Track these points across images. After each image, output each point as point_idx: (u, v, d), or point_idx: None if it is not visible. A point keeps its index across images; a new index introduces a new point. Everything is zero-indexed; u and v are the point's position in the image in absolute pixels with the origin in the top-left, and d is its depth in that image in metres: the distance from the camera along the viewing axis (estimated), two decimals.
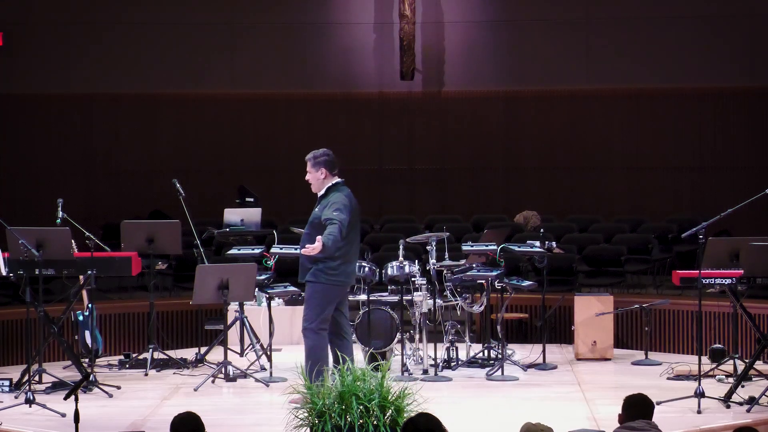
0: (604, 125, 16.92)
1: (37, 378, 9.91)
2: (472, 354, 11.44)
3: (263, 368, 10.91)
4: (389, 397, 7.34)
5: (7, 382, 10.02)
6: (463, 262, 11.25)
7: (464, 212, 16.40)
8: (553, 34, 16.82)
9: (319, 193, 9.42)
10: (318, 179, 9.41)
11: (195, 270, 10.38)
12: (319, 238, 8.98)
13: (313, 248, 8.96)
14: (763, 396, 9.15)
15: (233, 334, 11.44)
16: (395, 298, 10.86)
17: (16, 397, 9.60)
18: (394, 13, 16.82)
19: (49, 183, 16.37)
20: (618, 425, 6.09)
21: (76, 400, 6.68)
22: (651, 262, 14.28)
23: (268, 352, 10.80)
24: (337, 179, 9.41)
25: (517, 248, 11.49)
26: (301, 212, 16.33)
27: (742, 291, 9.85)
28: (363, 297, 10.98)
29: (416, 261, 11.03)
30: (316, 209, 9.34)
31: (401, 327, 10.72)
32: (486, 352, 11.29)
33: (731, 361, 10.33)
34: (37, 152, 16.76)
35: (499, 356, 10.85)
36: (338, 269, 9.21)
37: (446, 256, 11.16)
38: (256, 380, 10.33)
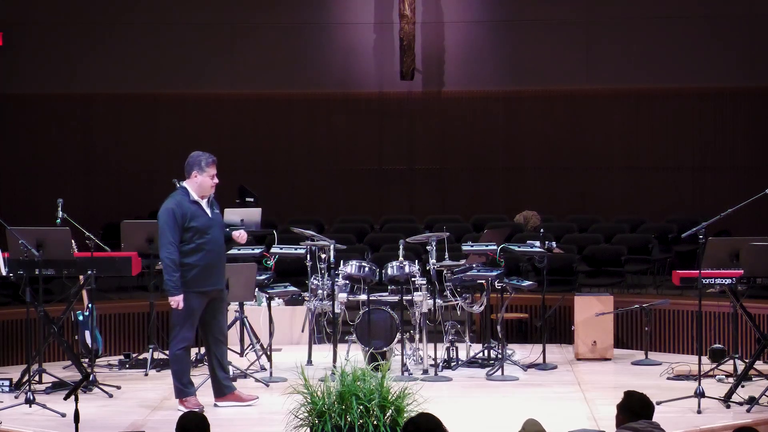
0: (604, 125, 16.93)
1: (37, 378, 9.90)
2: (472, 354, 11.44)
3: (263, 368, 10.91)
4: (389, 397, 7.34)
5: (7, 382, 10.02)
6: (463, 262, 11.25)
7: (464, 212, 16.40)
8: (553, 34, 16.82)
9: (208, 197, 9.31)
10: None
11: None
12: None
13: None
14: (763, 396, 9.15)
15: (233, 334, 11.42)
16: (395, 298, 10.85)
17: (16, 397, 9.60)
18: (394, 13, 16.82)
19: (49, 183, 16.38)
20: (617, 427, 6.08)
21: (76, 400, 6.67)
22: (651, 262, 14.28)
23: (268, 352, 10.79)
24: None
25: (517, 248, 11.49)
26: (301, 212, 16.43)
27: (742, 291, 9.84)
28: (363, 297, 10.98)
29: (416, 261, 11.03)
30: (217, 212, 9.35)
31: (401, 327, 10.71)
32: (486, 352, 11.28)
33: (731, 361, 10.33)
34: (37, 152, 16.76)
35: (499, 356, 10.85)
36: None
37: (446, 256, 11.16)
38: (256, 380, 10.32)
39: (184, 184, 9.26)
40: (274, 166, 16.84)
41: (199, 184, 9.21)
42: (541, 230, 11.91)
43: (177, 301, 9.00)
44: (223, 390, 9.31)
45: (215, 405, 9.27)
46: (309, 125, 17.11)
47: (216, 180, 9.27)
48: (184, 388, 9.18)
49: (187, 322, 9.12)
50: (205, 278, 9.10)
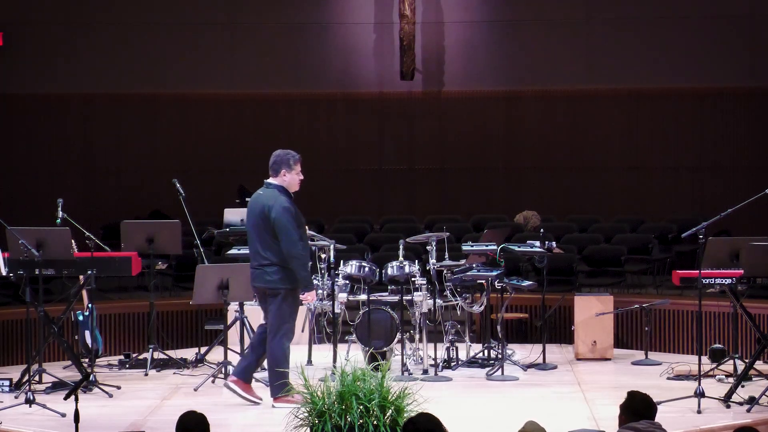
0: (604, 125, 16.93)
1: (37, 378, 9.90)
2: (472, 354, 11.44)
3: (263, 368, 10.89)
4: (389, 397, 7.33)
5: (7, 382, 10.02)
6: (463, 262, 11.25)
7: (464, 212, 16.40)
8: (553, 34, 16.82)
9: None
10: None
11: (195, 270, 10.37)
12: None
13: None
14: (763, 396, 9.15)
15: (233, 334, 11.42)
16: (395, 298, 10.85)
17: (16, 397, 9.60)
18: (394, 13, 16.82)
19: (49, 183, 16.37)
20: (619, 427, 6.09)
21: (76, 400, 6.68)
22: (651, 262, 14.28)
23: None
24: None
25: (517, 248, 11.49)
26: (301, 212, 16.40)
27: (742, 291, 9.85)
28: (363, 297, 10.98)
29: (416, 261, 11.03)
30: None
31: (401, 327, 10.71)
32: (486, 352, 11.28)
33: (731, 361, 10.33)
34: (37, 152, 16.76)
35: (499, 356, 10.85)
36: None
37: (446, 256, 11.16)
38: (256, 380, 10.30)
39: (274, 182, 9.31)
40: None
41: (288, 182, 9.33)
42: (541, 230, 11.91)
43: (314, 296, 9.41)
44: (245, 377, 9.38)
45: (225, 384, 9.43)
46: (309, 125, 17.11)
47: (302, 176, 9.36)
48: (287, 383, 9.12)
49: (295, 317, 9.32)
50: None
